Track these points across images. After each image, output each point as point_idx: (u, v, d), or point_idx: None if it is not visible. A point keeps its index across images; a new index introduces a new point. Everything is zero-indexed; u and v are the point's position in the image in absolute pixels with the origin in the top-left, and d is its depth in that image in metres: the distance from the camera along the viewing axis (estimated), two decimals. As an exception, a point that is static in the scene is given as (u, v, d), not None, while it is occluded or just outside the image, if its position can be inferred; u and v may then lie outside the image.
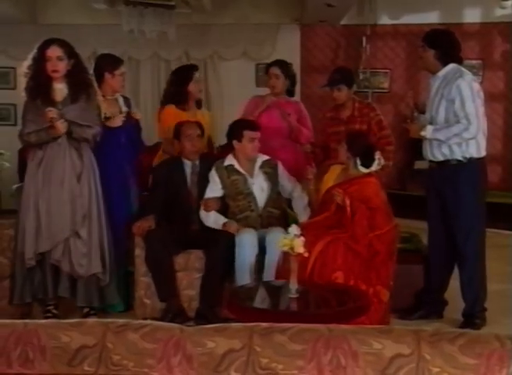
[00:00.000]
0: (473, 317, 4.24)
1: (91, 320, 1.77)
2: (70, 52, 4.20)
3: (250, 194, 4.45)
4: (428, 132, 4.16)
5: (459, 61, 4.26)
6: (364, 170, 4.20)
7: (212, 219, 4.42)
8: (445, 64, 4.20)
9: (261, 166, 4.52)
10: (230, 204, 4.49)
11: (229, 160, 4.50)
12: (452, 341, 1.60)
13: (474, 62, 8.75)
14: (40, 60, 4.13)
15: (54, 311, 4.18)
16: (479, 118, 4.11)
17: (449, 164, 4.18)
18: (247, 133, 4.43)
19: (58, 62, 4.13)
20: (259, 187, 4.47)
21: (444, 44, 4.24)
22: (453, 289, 4.44)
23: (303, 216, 4.51)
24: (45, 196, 4.12)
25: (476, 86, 4.17)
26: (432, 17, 8.69)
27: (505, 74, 8.89)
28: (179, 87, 4.92)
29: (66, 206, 4.12)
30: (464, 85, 4.09)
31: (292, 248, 3.32)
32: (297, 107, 5.19)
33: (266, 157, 4.56)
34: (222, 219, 4.39)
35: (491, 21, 8.76)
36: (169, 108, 4.91)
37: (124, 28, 7.08)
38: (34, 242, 4.09)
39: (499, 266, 5.40)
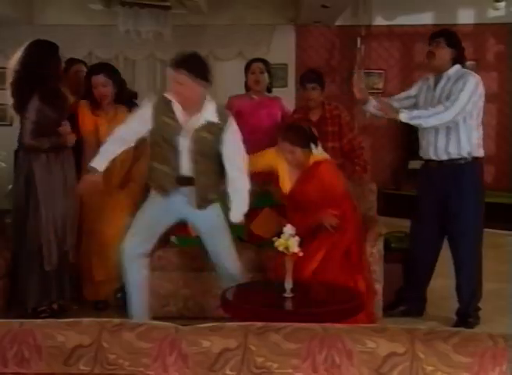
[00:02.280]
0: (467, 316, 4.25)
1: (87, 320, 1.77)
2: None
3: (176, 148, 3.63)
4: (403, 114, 4.09)
5: (464, 63, 4.31)
6: (319, 151, 4.05)
7: None
8: (453, 64, 4.22)
9: (202, 128, 3.63)
10: (153, 149, 3.74)
11: (171, 96, 3.62)
12: (445, 340, 1.61)
13: (467, 62, 8.80)
14: None
15: (54, 306, 4.30)
16: (465, 111, 4.09)
17: (453, 163, 4.17)
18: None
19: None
20: (187, 146, 3.64)
21: (459, 44, 4.26)
22: (446, 288, 4.46)
23: (237, 213, 3.70)
24: (62, 200, 4.23)
25: (481, 87, 4.16)
26: (426, 18, 8.73)
27: (498, 75, 8.93)
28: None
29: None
30: (472, 80, 4.12)
31: (287, 248, 3.33)
32: (280, 104, 5.20)
33: (214, 118, 3.65)
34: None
35: (484, 22, 8.80)
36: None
37: (120, 29, 7.09)
38: (56, 246, 4.19)
39: (494, 265, 5.42)
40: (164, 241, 4.32)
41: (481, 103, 4.18)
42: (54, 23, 8.36)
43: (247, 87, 5.16)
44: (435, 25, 8.71)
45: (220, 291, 3.69)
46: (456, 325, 4.16)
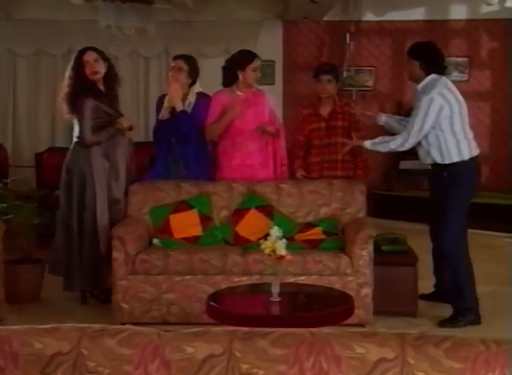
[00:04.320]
0: (458, 315, 4.23)
1: (66, 325, 1.72)
2: (104, 56, 4.79)
3: None
4: (367, 144, 4.47)
5: (441, 71, 4.36)
6: None
7: None
8: (428, 74, 4.31)
9: None
10: None
11: None
12: (437, 345, 1.58)
13: (460, 59, 8.72)
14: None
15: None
16: (423, 132, 4.22)
17: (435, 166, 4.39)
18: None
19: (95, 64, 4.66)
20: None
21: (428, 54, 4.36)
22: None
23: None
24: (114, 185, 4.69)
25: (437, 101, 4.17)
26: (417, 14, 8.70)
27: (492, 73, 8.85)
28: None
29: None
30: (425, 99, 4.19)
31: (274, 251, 3.28)
32: (265, 99, 4.94)
33: None
34: None
35: (477, 18, 8.73)
36: None
37: (101, 24, 6.99)
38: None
39: (488, 267, 5.40)
40: (147, 244, 4.25)
41: (446, 113, 4.22)
42: (33, 17, 8.22)
43: (233, 81, 4.90)
44: (426, 21, 8.68)
45: (205, 295, 3.64)
46: (443, 321, 4.21)
